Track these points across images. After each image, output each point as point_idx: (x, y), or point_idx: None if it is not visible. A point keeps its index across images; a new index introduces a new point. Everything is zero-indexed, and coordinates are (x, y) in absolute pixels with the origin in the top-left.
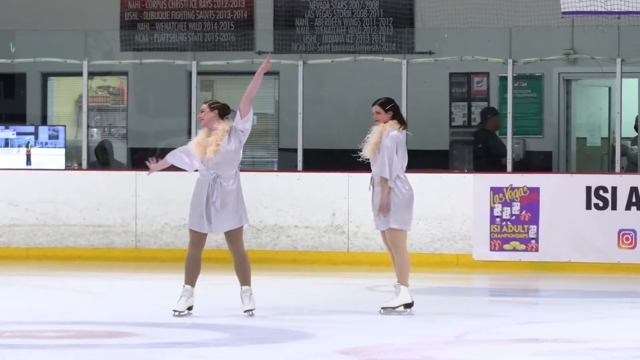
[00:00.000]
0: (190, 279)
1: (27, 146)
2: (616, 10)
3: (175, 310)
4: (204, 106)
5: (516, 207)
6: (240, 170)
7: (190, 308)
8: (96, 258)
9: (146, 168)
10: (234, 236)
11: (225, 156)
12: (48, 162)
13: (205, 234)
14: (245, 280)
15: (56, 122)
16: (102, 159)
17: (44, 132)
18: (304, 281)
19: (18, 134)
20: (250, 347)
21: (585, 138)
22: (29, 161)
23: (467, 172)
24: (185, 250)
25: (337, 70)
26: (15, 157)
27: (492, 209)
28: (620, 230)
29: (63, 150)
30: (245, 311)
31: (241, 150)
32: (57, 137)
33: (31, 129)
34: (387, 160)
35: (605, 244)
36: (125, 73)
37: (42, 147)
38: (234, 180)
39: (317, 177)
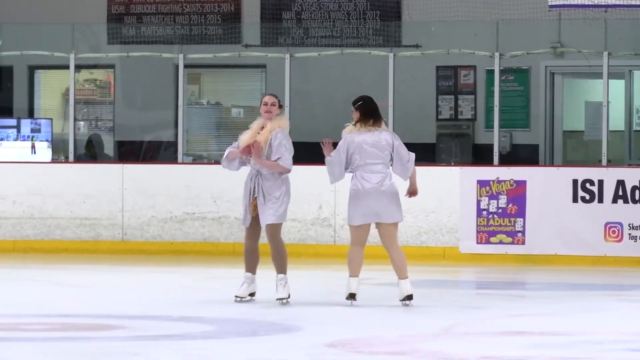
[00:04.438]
0: (250, 267)
1: (31, 139)
2: (603, 3)
3: (236, 296)
4: (275, 100)
5: (503, 200)
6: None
7: (252, 294)
8: (83, 251)
9: (133, 161)
10: (270, 230)
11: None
12: (32, 155)
13: (256, 227)
14: (279, 269)
15: (43, 115)
16: (90, 152)
17: (26, 125)
18: (291, 274)
19: (0, 127)
20: (237, 340)
21: (581, 131)
22: (33, 150)
23: (453, 165)
24: (172, 243)
25: (324, 63)
26: (4, 150)
27: (478, 202)
28: (606, 223)
29: (46, 144)
30: (277, 299)
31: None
32: (39, 131)
33: (14, 122)
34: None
35: (591, 236)
36: (112, 66)
37: (24, 140)
38: (274, 177)
39: (303, 170)
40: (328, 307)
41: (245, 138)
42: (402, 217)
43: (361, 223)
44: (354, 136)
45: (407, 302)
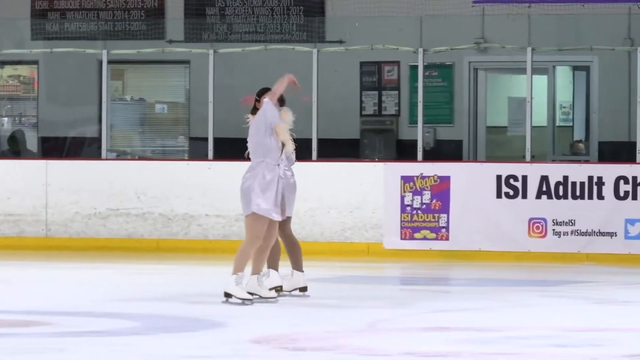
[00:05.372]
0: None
1: None
2: None
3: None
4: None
5: (427, 195)
6: (151, 159)
7: (276, 288)
8: (6, 247)
9: (57, 157)
10: (245, 222)
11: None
12: None
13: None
14: (270, 264)
15: None
16: (13, 148)
17: None
18: (215, 270)
19: None
20: (162, 336)
21: (505, 127)
22: None
23: (377, 161)
24: (96, 239)
25: (247, 59)
26: None
27: (402, 197)
28: (530, 219)
29: None
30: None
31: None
32: None
33: None
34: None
35: (515, 232)
36: (36, 62)
37: None
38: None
39: (227, 166)
40: (252, 303)
41: None
42: (248, 211)
43: None
44: None
45: (225, 298)
